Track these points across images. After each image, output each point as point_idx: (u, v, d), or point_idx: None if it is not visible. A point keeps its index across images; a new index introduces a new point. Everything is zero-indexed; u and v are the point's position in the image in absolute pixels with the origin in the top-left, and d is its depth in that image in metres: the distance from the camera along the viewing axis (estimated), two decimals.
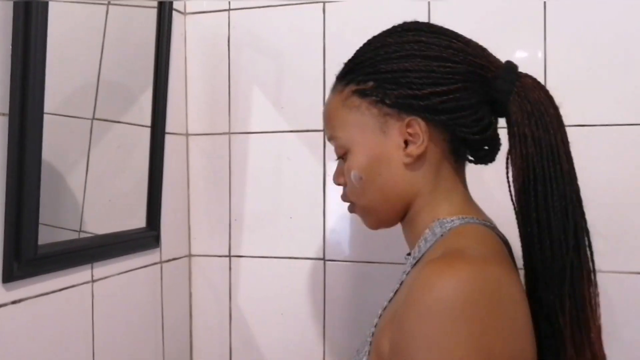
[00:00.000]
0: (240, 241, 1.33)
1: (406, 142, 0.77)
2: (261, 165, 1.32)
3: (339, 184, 0.86)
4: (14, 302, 0.85)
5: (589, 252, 0.74)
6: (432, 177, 0.78)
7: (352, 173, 0.81)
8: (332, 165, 1.23)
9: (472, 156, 0.82)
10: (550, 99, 0.75)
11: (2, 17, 0.82)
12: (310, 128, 1.27)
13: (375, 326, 0.76)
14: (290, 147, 1.29)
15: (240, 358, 1.35)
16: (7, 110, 0.83)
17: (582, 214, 0.74)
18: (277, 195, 1.30)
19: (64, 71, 0.96)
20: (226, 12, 1.32)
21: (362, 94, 0.78)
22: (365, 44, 0.82)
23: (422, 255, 0.75)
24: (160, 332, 1.25)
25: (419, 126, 0.75)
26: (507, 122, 0.76)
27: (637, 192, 1.10)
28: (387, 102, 0.76)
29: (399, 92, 0.75)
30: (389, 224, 0.85)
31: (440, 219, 0.77)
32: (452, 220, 0.76)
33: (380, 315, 0.76)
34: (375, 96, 0.77)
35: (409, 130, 0.76)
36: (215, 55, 1.33)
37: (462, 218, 0.76)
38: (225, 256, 1.34)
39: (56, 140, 0.93)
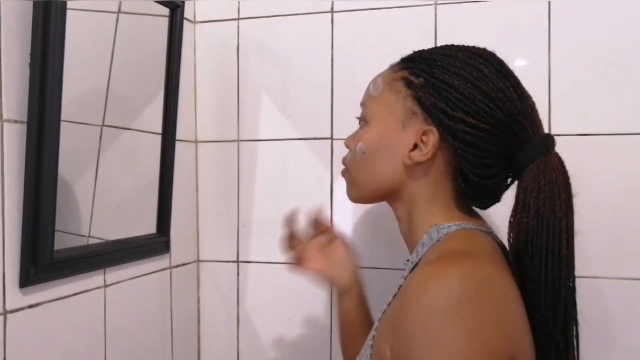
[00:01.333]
0: (248, 247, 1.34)
1: (415, 146, 0.79)
2: (269, 172, 1.33)
3: (346, 147, 0.91)
4: (30, 307, 0.87)
5: (575, 342, 0.75)
6: (430, 190, 0.81)
7: (360, 144, 0.85)
8: (339, 172, 1.24)
9: (467, 195, 0.82)
10: (567, 185, 0.75)
11: (20, 25, 0.84)
12: (317, 136, 1.28)
13: (375, 329, 0.77)
14: (298, 155, 1.30)
15: None
16: (25, 118, 0.84)
17: (574, 302, 0.76)
18: (284, 202, 1.31)
19: (75, 78, 0.96)
20: (235, 21, 1.33)
21: (408, 83, 0.81)
22: (441, 46, 0.84)
23: (420, 259, 0.77)
24: (169, 336, 1.26)
25: (433, 138, 0.78)
26: (518, 184, 0.78)
27: (638, 201, 1.11)
28: (424, 103, 0.79)
29: (436, 101, 0.78)
30: (367, 202, 0.91)
31: (437, 225, 0.79)
32: (449, 226, 0.78)
33: (380, 319, 0.78)
34: (417, 91, 0.79)
35: (423, 137, 0.79)
36: (224, 63, 1.35)
37: (459, 224, 0.78)
38: (234, 261, 1.35)
39: (66, 147, 0.93)
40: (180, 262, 1.31)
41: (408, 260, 0.83)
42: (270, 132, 1.32)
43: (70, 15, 0.87)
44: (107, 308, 1.05)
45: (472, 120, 0.76)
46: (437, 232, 0.78)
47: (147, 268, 1.18)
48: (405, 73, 0.82)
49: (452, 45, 0.83)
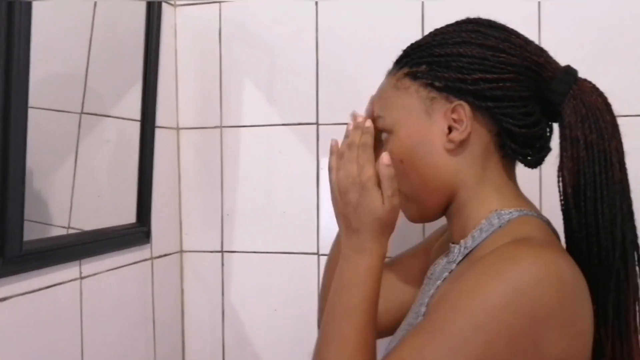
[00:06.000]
0: (233, 236, 1.32)
1: (450, 129, 0.76)
2: (253, 159, 1.30)
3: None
4: None
5: (637, 268, 0.73)
6: (479, 169, 0.77)
7: (390, 157, 0.77)
8: (326, 159, 1.22)
9: (519, 155, 0.78)
10: (608, 105, 0.74)
11: None
12: (302, 121, 1.26)
13: (423, 315, 0.75)
14: (282, 141, 1.28)
15: (233, 354, 1.34)
16: None
17: (633, 227, 0.74)
18: (269, 190, 1.29)
19: (51, 65, 0.95)
20: (217, 4, 1.30)
21: (413, 76, 0.78)
22: (428, 33, 0.81)
23: (477, 245, 0.74)
24: (152, 330, 1.24)
25: (463, 111, 0.74)
26: (560, 125, 0.75)
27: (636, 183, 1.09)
28: (437, 84, 0.76)
29: (449, 74, 0.75)
30: (431, 215, 0.82)
31: (497, 210, 0.76)
32: (510, 212, 0.75)
33: (427, 304, 0.75)
34: (425, 79, 0.76)
35: (454, 115, 0.75)
36: (206, 47, 1.32)
37: (520, 210, 0.76)
38: (218, 252, 1.33)
39: (44, 135, 0.92)
40: (162, 253, 1.28)
41: (454, 243, 0.80)
42: (253, 118, 1.30)
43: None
44: (84, 301, 1.02)
45: (492, 76, 0.74)
46: (498, 218, 0.75)
47: (127, 259, 1.16)
48: (405, 70, 0.79)
49: (438, 28, 0.80)
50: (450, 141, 0.76)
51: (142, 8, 1.17)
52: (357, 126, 0.82)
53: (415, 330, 0.68)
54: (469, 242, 0.76)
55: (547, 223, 0.77)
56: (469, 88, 0.74)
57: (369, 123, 0.81)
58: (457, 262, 0.76)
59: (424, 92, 0.77)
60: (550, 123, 0.80)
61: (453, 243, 0.80)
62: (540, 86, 0.75)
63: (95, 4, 1.04)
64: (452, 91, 0.75)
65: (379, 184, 0.77)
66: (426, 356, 0.63)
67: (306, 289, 1.27)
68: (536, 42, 0.78)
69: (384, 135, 0.82)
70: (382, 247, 0.78)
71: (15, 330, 0.87)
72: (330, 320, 0.76)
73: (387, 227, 0.79)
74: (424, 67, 0.77)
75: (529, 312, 0.62)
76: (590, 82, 0.76)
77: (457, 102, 0.75)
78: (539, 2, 1.12)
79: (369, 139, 0.80)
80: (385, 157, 0.77)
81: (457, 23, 0.79)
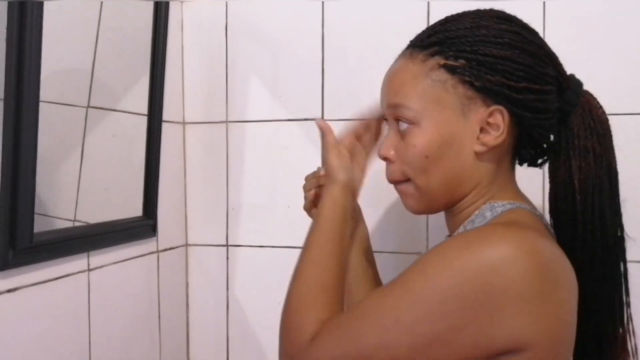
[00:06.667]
0: (238, 230, 1.32)
1: (480, 130, 0.75)
2: (259, 153, 1.31)
3: (386, 158, 0.81)
4: (9, 291, 0.85)
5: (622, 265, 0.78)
6: (494, 169, 0.77)
7: (418, 149, 0.76)
8: None
9: (535, 159, 0.82)
10: (607, 120, 0.77)
11: None
12: (307, 117, 1.26)
13: None
14: (287, 136, 1.28)
15: (237, 348, 1.34)
16: (1, 95, 0.81)
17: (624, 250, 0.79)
18: (274, 184, 1.29)
19: (58, 59, 0.95)
20: (223, 0, 1.30)
21: (451, 70, 0.74)
22: (452, 20, 0.77)
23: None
24: (157, 322, 1.25)
25: (502, 117, 0.73)
26: (568, 134, 0.76)
27: (634, 182, 1.09)
28: (477, 84, 0.73)
29: (495, 78, 0.72)
30: (436, 209, 0.82)
31: (491, 202, 0.76)
32: (503, 205, 0.76)
33: None
34: (465, 75, 0.73)
35: (490, 119, 0.74)
36: (212, 43, 1.32)
37: (513, 203, 0.76)
38: (223, 245, 1.33)
39: (50, 129, 0.92)
40: (168, 246, 1.29)
41: (448, 236, 0.81)
42: (259, 113, 1.30)
43: None
44: (92, 293, 1.03)
45: (537, 86, 0.73)
46: (491, 210, 0.75)
47: (133, 252, 1.16)
48: (440, 60, 0.75)
49: (462, 15, 0.77)
50: (483, 144, 0.74)
51: (149, 3, 1.17)
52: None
53: (384, 285, 0.72)
54: (460, 230, 0.78)
55: (541, 217, 0.77)
56: (514, 95, 0.72)
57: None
58: None
59: (461, 89, 0.74)
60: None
61: (448, 236, 0.81)
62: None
63: None
64: (491, 94, 0.73)
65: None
66: (385, 306, 0.67)
67: None
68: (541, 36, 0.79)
69: (403, 126, 0.78)
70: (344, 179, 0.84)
71: (26, 318, 0.88)
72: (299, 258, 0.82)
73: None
74: (462, 61, 0.73)
75: (487, 282, 0.62)
76: (592, 96, 0.78)
77: (495, 106, 0.73)
78: (544, 2, 1.12)
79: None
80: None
81: (489, 16, 0.76)
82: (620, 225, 0.77)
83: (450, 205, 0.80)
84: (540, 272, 0.64)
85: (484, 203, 0.77)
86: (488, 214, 0.75)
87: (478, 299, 0.63)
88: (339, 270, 0.78)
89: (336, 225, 0.81)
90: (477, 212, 0.77)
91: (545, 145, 0.80)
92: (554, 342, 0.66)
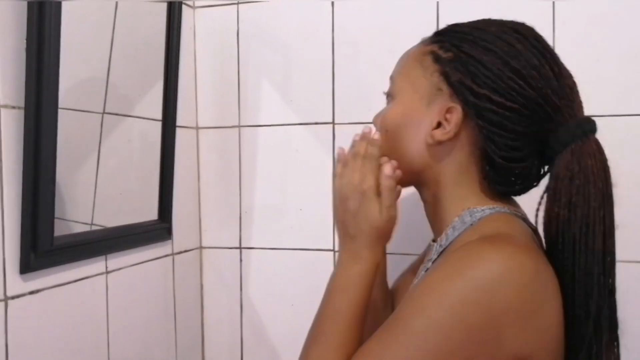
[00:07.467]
0: (251, 233, 1.34)
1: (439, 125, 0.76)
2: (270, 158, 1.32)
3: (375, 126, 0.85)
4: (31, 293, 0.87)
5: (614, 349, 0.71)
6: (455, 172, 0.77)
7: (383, 122, 0.81)
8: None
9: (496, 182, 0.77)
10: (606, 173, 0.71)
11: (16, 9, 0.83)
12: (318, 121, 1.27)
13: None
14: (299, 140, 1.29)
15: (251, 349, 1.35)
16: (22, 104, 0.84)
17: (612, 304, 0.71)
18: (286, 188, 1.31)
19: (74, 65, 0.96)
20: (235, 6, 1.32)
21: (436, 58, 0.77)
22: (477, 20, 0.79)
23: (450, 242, 0.75)
24: (173, 323, 1.27)
25: (456, 116, 0.74)
26: (550, 173, 0.73)
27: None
28: (449, 79, 0.75)
29: (462, 77, 0.74)
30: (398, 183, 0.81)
31: (470, 208, 0.76)
32: (483, 210, 0.75)
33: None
34: (444, 67, 0.75)
35: (447, 115, 0.75)
36: (224, 48, 1.34)
37: (492, 208, 0.75)
38: (236, 248, 1.35)
39: (68, 135, 0.93)
40: (183, 249, 1.31)
41: (433, 240, 0.81)
42: (271, 118, 1.31)
43: (68, 3, 0.86)
44: (109, 294, 1.05)
45: (498, 99, 0.71)
46: (471, 215, 0.75)
47: (149, 255, 1.18)
48: (434, 47, 0.77)
49: (488, 19, 0.78)
50: (432, 137, 0.76)
51: (162, 10, 1.18)
52: (364, 137, 0.82)
53: (381, 328, 0.68)
54: (443, 240, 0.77)
55: (524, 219, 0.76)
56: (472, 99, 0.73)
57: (376, 135, 0.81)
58: (432, 260, 0.77)
59: (436, 78, 0.76)
60: (543, 162, 0.78)
61: (433, 241, 0.81)
62: (544, 127, 0.72)
63: (116, 5, 1.06)
64: (457, 92, 0.74)
65: (379, 194, 0.78)
66: (389, 354, 0.64)
67: (322, 284, 1.26)
68: (550, 42, 0.76)
69: (388, 98, 0.84)
70: (376, 256, 0.79)
71: (46, 320, 0.90)
72: (317, 321, 0.78)
73: (382, 236, 0.80)
74: (450, 54, 0.75)
75: (487, 307, 0.62)
76: (597, 143, 0.71)
77: (455, 104, 0.74)
78: (553, 2, 1.12)
79: (375, 151, 0.80)
80: (387, 168, 0.78)
81: (505, 25, 0.76)
82: (603, 298, 0.70)
83: (412, 184, 0.83)
84: (530, 287, 0.64)
85: (462, 210, 0.76)
86: (467, 219, 0.75)
87: (481, 325, 0.63)
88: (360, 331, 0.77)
89: (365, 292, 0.79)
90: (456, 218, 0.76)
91: (516, 177, 0.76)
92: (548, 352, 0.67)
